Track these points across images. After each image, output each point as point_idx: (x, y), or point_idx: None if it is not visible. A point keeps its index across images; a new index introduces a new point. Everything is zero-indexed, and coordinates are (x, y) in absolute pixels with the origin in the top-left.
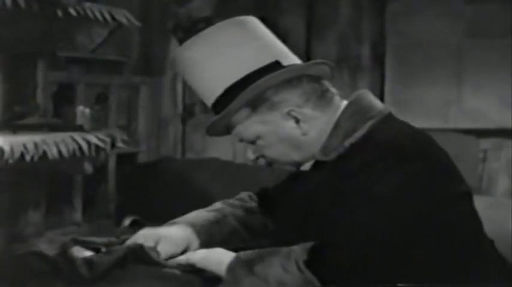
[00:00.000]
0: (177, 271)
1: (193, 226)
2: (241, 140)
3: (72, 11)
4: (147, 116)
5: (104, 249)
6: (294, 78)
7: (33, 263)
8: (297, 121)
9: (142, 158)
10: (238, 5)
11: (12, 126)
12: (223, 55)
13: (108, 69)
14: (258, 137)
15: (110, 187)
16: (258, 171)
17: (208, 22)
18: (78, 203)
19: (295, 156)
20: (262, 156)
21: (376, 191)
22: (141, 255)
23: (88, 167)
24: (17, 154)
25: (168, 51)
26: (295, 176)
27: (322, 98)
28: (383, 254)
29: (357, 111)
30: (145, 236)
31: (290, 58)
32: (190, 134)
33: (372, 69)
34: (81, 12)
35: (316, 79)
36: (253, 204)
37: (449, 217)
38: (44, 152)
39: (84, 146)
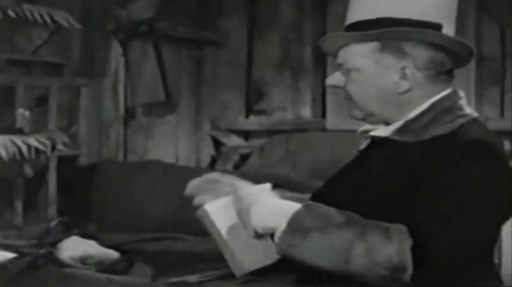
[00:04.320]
0: (89, 271)
1: None
2: (339, 65)
3: (11, 13)
4: (88, 119)
5: (25, 251)
6: (438, 45)
7: None
8: (402, 79)
9: (83, 160)
10: (180, 7)
11: None
12: None
13: (49, 71)
14: (358, 70)
15: (51, 190)
16: (201, 174)
17: (150, 24)
18: (18, 206)
19: (372, 106)
20: (344, 87)
21: (460, 184)
22: (51, 258)
23: (28, 170)
24: None
25: (109, 53)
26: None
27: (436, 77)
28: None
29: (449, 107)
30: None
31: (451, 30)
32: (132, 137)
33: (314, 70)
34: (21, 13)
35: (449, 58)
36: None
37: (498, 222)
38: None
39: (24, 149)
